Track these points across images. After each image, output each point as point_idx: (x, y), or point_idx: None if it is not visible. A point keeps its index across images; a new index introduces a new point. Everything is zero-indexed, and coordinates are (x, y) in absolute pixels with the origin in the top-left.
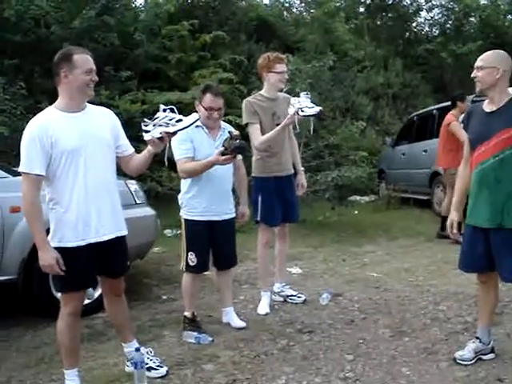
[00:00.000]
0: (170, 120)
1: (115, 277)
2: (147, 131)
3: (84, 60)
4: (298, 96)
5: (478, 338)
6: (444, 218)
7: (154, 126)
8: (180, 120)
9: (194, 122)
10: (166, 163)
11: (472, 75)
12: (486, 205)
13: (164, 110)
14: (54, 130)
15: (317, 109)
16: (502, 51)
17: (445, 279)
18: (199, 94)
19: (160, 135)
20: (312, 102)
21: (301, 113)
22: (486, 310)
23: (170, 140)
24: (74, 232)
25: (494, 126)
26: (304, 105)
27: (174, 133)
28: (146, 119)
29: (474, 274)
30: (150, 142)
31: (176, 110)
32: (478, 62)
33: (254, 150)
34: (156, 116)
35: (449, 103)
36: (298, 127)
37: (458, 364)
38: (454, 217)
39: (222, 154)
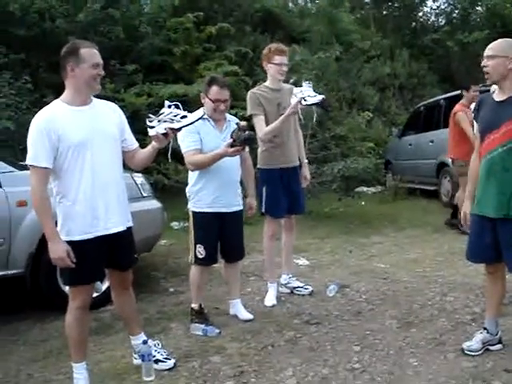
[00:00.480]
0: (175, 116)
1: (123, 269)
2: (152, 127)
3: (91, 54)
4: (301, 86)
5: (485, 328)
6: (456, 207)
7: (158, 121)
8: (185, 116)
9: (199, 119)
10: (170, 159)
11: (482, 64)
12: (493, 194)
13: (169, 106)
14: (60, 123)
15: (319, 97)
16: None
17: (452, 270)
18: (205, 87)
19: (165, 131)
20: (314, 90)
21: (304, 102)
22: (494, 300)
23: (176, 136)
24: (83, 225)
25: (504, 115)
26: (306, 94)
27: (179, 129)
28: (150, 115)
29: (481, 264)
30: (154, 137)
31: (181, 106)
32: (488, 51)
33: (259, 142)
34: (161, 112)
35: (456, 93)
36: (301, 117)
37: (465, 355)
38: (466, 208)
39: (231, 145)
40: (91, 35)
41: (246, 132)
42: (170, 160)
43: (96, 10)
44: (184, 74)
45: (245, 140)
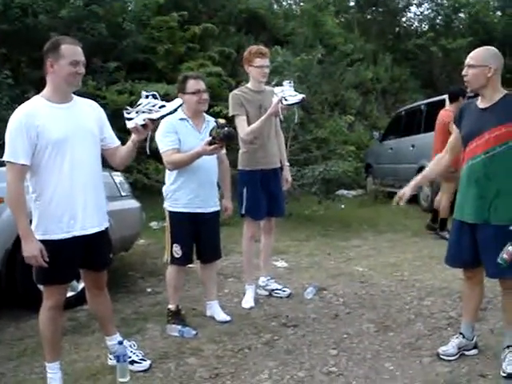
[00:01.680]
0: (153, 106)
1: (98, 270)
2: (130, 119)
3: (71, 51)
4: (282, 85)
5: (461, 333)
6: (436, 211)
7: (136, 113)
8: (163, 106)
9: (177, 108)
10: (148, 151)
11: (463, 73)
12: (474, 200)
13: (146, 97)
14: (40, 119)
15: (300, 96)
16: (493, 48)
17: (430, 274)
18: (180, 86)
19: (143, 122)
20: (295, 90)
21: (284, 101)
22: (471, 305)
23: (155, 128)
24: (59, 224)
25: (487, 123)
26: (287, 94)
27: (158, 119)
28: (128, 107)
29: (459, 269)
30: (133, 129)
31: (158, 96)
32: (469, 60)
33: (240, 143)
34: (138, 103)
35: (437, 98)
36: (282, 117)
37: (441, 359)
38: (406, 189)
39: (210, 143)
40: (74, 31)
41: (225, 128)
42: (148, 153)
43: (79, 7)
44: (167, 73)
45: (224, 136)
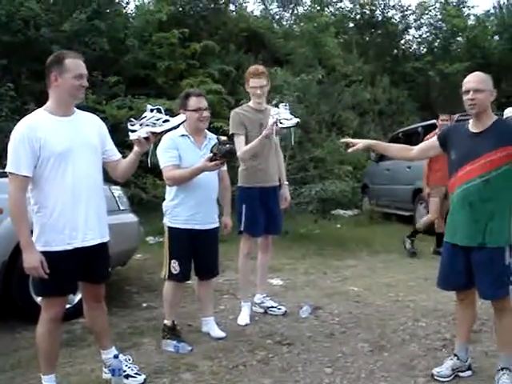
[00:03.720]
0: (157, 120)
1: (97, 282)
2: (134, 130)
3: (75, 64)
4: (278, 107)
5: (455, 355)
6: (439, 235)
7: (140, 125)
8: (167, 120)
9: (180, 123)
10: (150, 164)
11: (469, 96)
12: (467, 223)
13: (151, 110)
14: (43, 132)
15: (294, 121)
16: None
17: (425, 295)
18: (182, 102)
19: (146, 135)
20: (291, 113)
21: (280, 124)
22: (464, 327)
23: (158, 141)
24: (61, 236)
25: (481, 148)
26: (283, 117)
27: (161, 133)
28: (132, 119)
29: (452, 291)
30: (135, 141)
31: (163, 111)
32: (477, 85)
33: (240, 161)
34: (143, 116)
35: (434, 121)
36: (276, 140)
37: (435, 380)
38: (360, 141)
39: (211, 159)
40: (75, 45)
41: (227, 145)
42: (149, 165)
43: (82, 21)
44: (167, 89)
45: (225, 153)
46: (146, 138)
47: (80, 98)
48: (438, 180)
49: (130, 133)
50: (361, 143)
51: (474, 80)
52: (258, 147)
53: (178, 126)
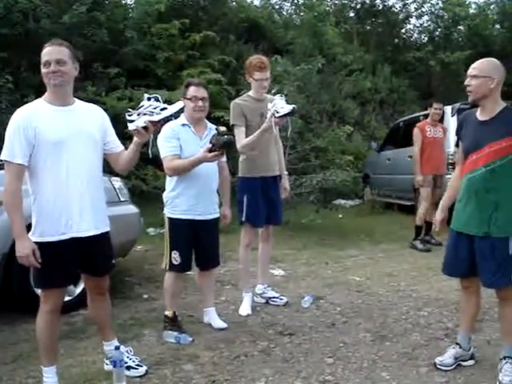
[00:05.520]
0: (155, 108)
1: (99, 275)
2: (132, 121)
3: (45, 52)
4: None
5: (458, 344)
6: (418, 228)
7: (138, 115)
8: (165, 108)
9: (179, 111)
10: (150, 155)
11: (465, 83)
12: (473, 212)
13: (148, 99)
14: (38, 120)
15: (290, 107)
16: (495, 60)
17: (427, 285)
18: (183, 91)
19: (145, 124)
20: (287, 102)
21: (277, 114)
22: (467, 316)
23: (158, 131)
24: (56, 226)
25: (487, 136)
26: (279, 106)
27: (159, 121)
28: (130, 109)
29: (455, 280)
30: (134, 132)
31: (160, 99)
32: (472, 71)
33: (239, 153)
34: (140, 105)
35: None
36: (276, 132)
37: (437, 369)
38: (439, 216)
39: (210, 150)
40: (75, 37)
41: (225, 136)
42: (150, 156)
43: (81, 13)
44: (167, 80)
45: (224, 144)
46: (145, 128)
47: (56, 84)
48: (428, 169)
49: (128, 123)
50: (439, 213)
51: (473, 66)
52: (256, 142)
53: (176, 114)
